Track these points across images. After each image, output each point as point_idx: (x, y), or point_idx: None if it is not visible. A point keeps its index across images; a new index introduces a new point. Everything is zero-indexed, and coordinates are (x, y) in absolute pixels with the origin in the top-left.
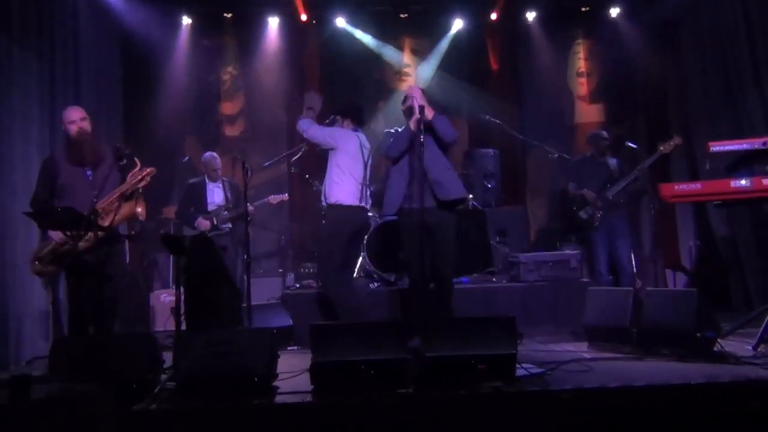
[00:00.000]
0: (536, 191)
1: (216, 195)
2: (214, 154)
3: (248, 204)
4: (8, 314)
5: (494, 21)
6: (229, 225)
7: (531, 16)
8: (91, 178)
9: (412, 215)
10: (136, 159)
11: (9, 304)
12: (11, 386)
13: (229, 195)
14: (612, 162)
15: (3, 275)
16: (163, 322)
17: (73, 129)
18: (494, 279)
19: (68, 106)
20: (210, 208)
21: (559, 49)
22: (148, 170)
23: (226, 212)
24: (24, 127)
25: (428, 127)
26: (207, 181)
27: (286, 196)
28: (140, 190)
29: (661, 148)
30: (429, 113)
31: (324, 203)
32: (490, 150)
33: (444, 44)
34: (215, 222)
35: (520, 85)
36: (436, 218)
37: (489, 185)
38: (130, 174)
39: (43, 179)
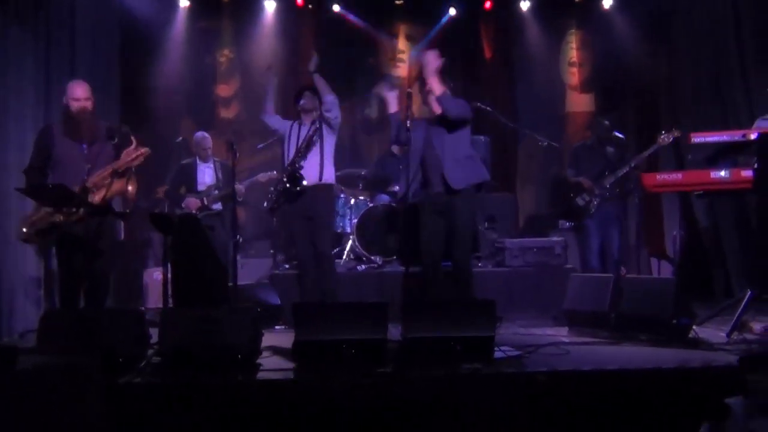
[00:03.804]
0: (526, 179)
1: (207, 175)
2: (205, 134)
3: (237, 183)
4: (1, 288)
5: (488, 9)
6: (220, 205)
7: (525, 5)
8: (85, 151)
9: (424, 200)
10: (132, 137)
11: (2, 278)
12: None
13: (220, 175)
14: (609, 151)
15: None
16: (156, 299)
17: (75, 106)
18: (480, 264)
19: (74, 80)
20: (200, 188)
21: (552, 38)
22: (142, 150)
23: (216, 191)
24: (18, 106)
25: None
26: (198, 161)
27: (274, 173)
28: (133, 169)
29: (660, 140)
30: (436, 88)
31: (316, 182)
32: (481, 137)
33: (438, 32)
34: (205, 202)
35: (512, 73)
36: (447, 203)
37: None
38: (125, 152)
39: (37, 147)
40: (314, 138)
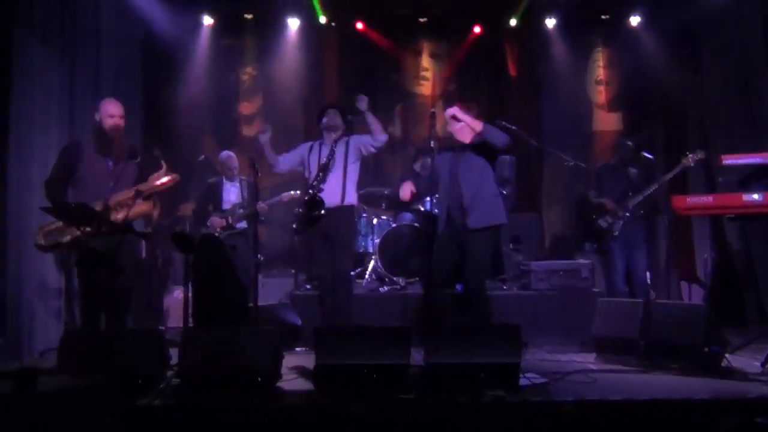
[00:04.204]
0: (552, 199)
1: (232, 194)
2: (231, 153)
3: (260, 202)
4: (22, 305)
5: (513, 27)
6: (245, 224)
7: (551, 23)
8: (111, 169)
9: (448, 232)
10: (163, 162)
11: (23, 295)
12: (17, 378)
13: (245, 194)
14: (633, 172)
15: (18, 267)
16: (177, 319)
17: (109, 123)
18: (505, 287)
19: (108, 98)
20: (225, 206)
21: (578, 56)
22: (172, 176)
23: (240, 210)
24: (43, 123)
25: (469, 144)
26: (224, 180)
27: (298, 193)
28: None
29: (684, 161)
30: (477, 125)
31: (338, 204)
32: (507, 156)
33: (462, 50)
34: (230, 221)
35: (538, 91)
36: (464, 237)
37: (504, 191)
38: (154, 175)
39: (62, 161)
40: (332, 162)
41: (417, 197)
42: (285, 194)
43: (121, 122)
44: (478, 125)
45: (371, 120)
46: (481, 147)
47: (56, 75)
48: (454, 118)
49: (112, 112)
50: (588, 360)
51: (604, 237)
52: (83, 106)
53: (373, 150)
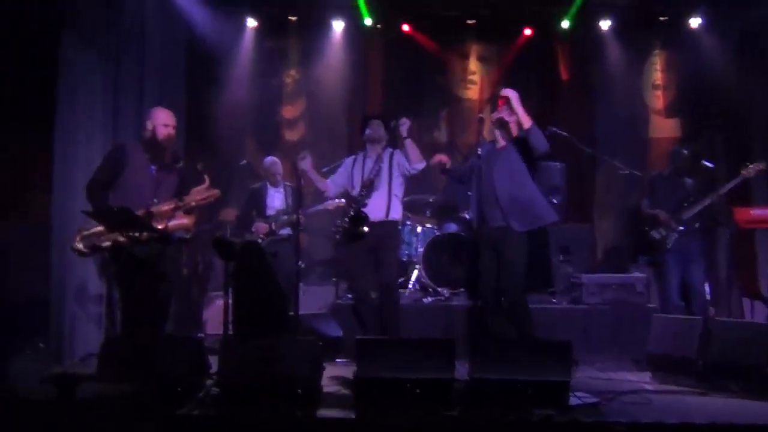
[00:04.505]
0: (604, 209)
1: (276, 200)
2: (275, 158)
3: (300, 211)
4: (64, 310)
5: (566, 29)
6: (288, 230)
7: (605, 24)
8: (154, 176)
9: (480, 232)
10: (205, 177)
11: (65, 300)
12: (59, 384)
13: (290, 200)
14: (688, 182)
15: (60, 272)
16: (216, 326)
17: (164, 132)
18: (554, 300)
19: (160, 107)
20: (269, 212)
21: (635, 59)
22: (214, 192)
23: (284, 216)
24: (87, 127)
25: (516, 140)
26: (268, 185)
27: (343, 202)
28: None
29: (743, 172)
30: (526, 121)
31: (383, 218)
32: (557, 163)
33: (512, 52)
34: (273, 227)
35: (591, 96)
36: (499, 238)
37: (554, 200)
38: (196, 190)
39: (107, 164)
40: (379, 176)
41: (449, 174)
42: (330, 202)
43: (174, 132)
44: (527, 121)
45: (410, 147)
46: (521, 147)
47: (100, 78)
48: (507, 104)
49: (166, 121)
50: (642, 379)
51: (657, 249)
52: (127, 109)
53: (407, 174)
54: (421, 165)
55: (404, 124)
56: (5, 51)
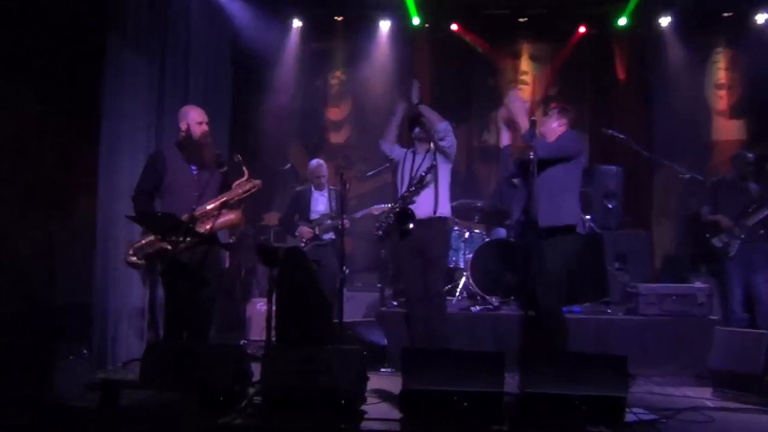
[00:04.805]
0: (663, 215)
1: (320, 203)
2: (321, 161)
3: (344, 217)
4: (107, 315)
5: (623, 26)
6: (332, 235)
7: (665, 21)
8: (196, 178)
9: (521, 238)
10: (245, 168)
11: (108, 305)
12: (101, 391)
13: (334, 204)
14: (753, 187)
15: (104, 277)
16: (259, 332)
17: (198, 130)
18: (609, 310)
19: (190, 105)
20: (313, 216)
21: (696, 58)
22: (255, 182)
23: (328, 221)
24: (131, 131)
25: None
26: (312, 189)
27: (388, 206)
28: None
29: None
30: (524, 123)
31: (431, 215)
32: (613, 167)
33: (566, 51)
34: (316, 231)
35: (649, 96)
36: (535, 243)
37: (609, 205)
38: (237, 183)
39: (148, 172)
40: (428, 176)
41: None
42: (376, 207)
43: (207, 128)
44: (524, 123)
45: (424, 110)
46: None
47: (145, 81)
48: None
49: (199, 119)
50: (703, 396)
51: (719, 258)
52: (171, 113)
53: (444, 143)
54: (443, 124)
55: (415, 87)
56: (51, 54)
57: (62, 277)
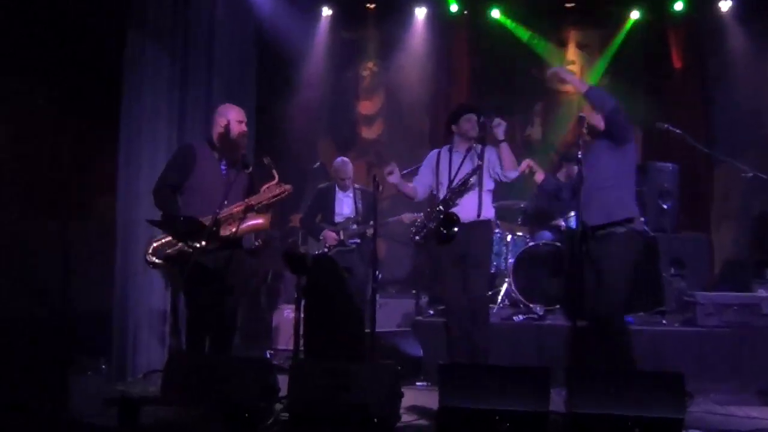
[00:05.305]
0: (723, 216)
1: (345, 205)
2: (346, 159)
3: (371, 224)
4: (127, 322)
5: (679, 11)
6: (358, 240)
7: (725, 5)
8: (224, 178)
9: (571, 238)
10: (274, 172)
11: (129, 312)
12: (120, 408)
13: (359, 205)
14: None
15: (124, 282)
16: (287, 340)
17: (238, 129)
18: (664, 321)
19: (229, 103)
20: (338, 219)
21: (761, 45)
22: (285, 187)
23: (354, 226)
24: (152, 129)
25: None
26: (337, 188)
27: (420, 215)
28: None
29: None
30: (577, 83)
31: (474, 219)
32: (669, 164)
33: (617, 39)
34: (341, 236)
35: (708, 88)
36: (597, 244)
37: (665, 206)
38: (266, 187)
39: (176, 165)
40: (474, 180)
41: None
42: (407, 215)
43: (246, 129)
44: (582, 85)
45: (506, 152)
46: (608, 135)
47: (166, 76)
48: (559, 78)
49: (240, 117)
50: None
51: None
52: (193, 110)
53: (497, 180)
54: (514, 174)
55: (499, 126)
56: (68, 48)
57: (80, 283)
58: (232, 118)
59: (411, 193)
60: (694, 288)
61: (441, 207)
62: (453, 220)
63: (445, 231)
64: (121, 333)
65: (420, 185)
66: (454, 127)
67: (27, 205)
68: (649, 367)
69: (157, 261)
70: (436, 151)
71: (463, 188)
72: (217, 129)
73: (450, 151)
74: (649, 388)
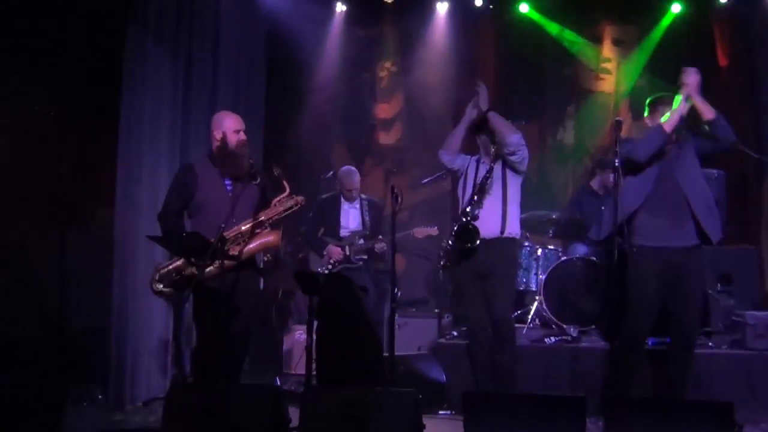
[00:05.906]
0: None
1: (351, 217)
2: (353, 169)
3: (380, 238)
4: (126, 349)
5: (725, 4)
6: (365, 256)
7: None
8: (230, 193)
9: (646, 254)
10: (285, 183)
11: (128, 337)
12: None
13: (367, 218)
14: None
15: (123, 304)
16: (298, 364)
17: (235, 139)
18: (711, 343)
19: (224, 111)
20: (343, 233)
21: None
22: (297, 199)
23: (361, 241)
24: (153, 136)
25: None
26: (342, 199)
27: (435, 230)
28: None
29: None
30: (708, 112)
31: (497, 235)
32: (714, 171)
33: (656, 34)
34: (347, 252)
35: (757, 88)
36: (683, 262)
37: None
38: (277, 200)
39: (177, 189)
40: (489, 182)
41: None
42: (419, 230)
43: (245, 137)
44: (710, 111)
45: (494, 119)
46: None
47: (169, 78)
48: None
49: (236, 126)
50: None
51: None
52: (197, 115)
53: (515, 158)
54: (515, 137)
55: (482, 90)
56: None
57: (77, 301)
58: (227, 127)
59: (451, 145)
60: (742, 307)
61: (459, 219)
62: (470, 230)
63: (462, 244)
64: (119, 357)
65: (458, 155)
66: (478, 139)
67: (23, 216)
68: (693, 394)
69: (165, 289)
70: (471, 157)
71: (480, 194)
72: (214, 142)
73: (477, 161)
74: (694, 419)
